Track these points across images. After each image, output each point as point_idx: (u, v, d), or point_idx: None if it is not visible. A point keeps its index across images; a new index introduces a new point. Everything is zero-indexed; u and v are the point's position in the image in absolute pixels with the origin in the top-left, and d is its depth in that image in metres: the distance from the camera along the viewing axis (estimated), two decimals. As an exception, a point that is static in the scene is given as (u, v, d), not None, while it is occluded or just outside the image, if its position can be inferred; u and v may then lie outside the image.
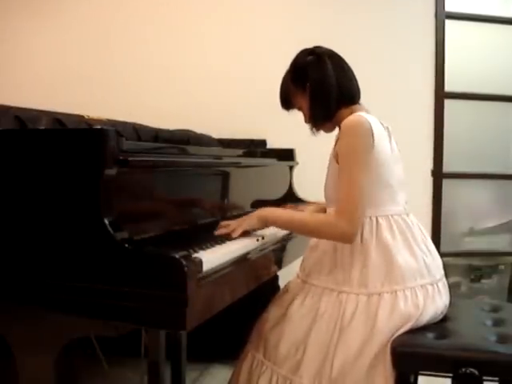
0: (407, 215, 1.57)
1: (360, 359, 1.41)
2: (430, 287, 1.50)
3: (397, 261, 1.48)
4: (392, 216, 1.53)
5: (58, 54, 3.00)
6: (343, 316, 1.46)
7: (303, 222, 1.56)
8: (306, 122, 1.67)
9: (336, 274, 1.52)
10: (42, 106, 1.68)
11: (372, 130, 1.47)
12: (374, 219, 1.51)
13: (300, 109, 1.67)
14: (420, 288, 1.48)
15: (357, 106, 1.60)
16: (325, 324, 1.47)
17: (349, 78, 1.62)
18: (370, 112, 1.59)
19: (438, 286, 1.53)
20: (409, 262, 1.49)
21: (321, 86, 1.58)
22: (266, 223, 1.60)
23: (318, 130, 1.65)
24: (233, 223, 1.56)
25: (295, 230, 1.65)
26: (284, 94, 1.68)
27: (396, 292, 1.46)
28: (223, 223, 1.57)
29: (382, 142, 1.52)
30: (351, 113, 1.55)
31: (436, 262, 1.57)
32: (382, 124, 1.57)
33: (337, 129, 1.60)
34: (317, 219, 1.55)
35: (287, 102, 1.68)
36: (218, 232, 1.53)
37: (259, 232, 1.61)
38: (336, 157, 1.52)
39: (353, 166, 1.46)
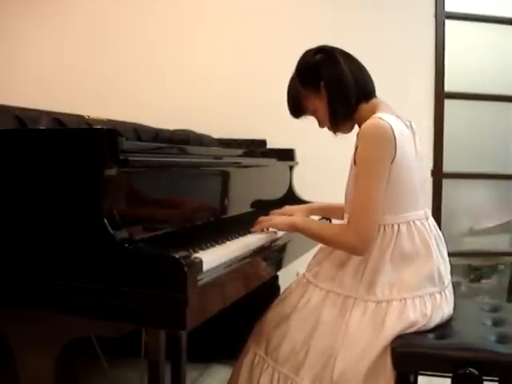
0: (427, 219, 1.53)
1: (362, 362, 1.40)
2: (438, 296, 1.48)
3: (410, 270, 1.46)
4: (414, 222, 1.49)
5: (57, 54, 3.00)
6: (348, 321, 1.44)
7: (322, 232, 1.55)
8: (320, 126, 1.62)
9: (344, 278, 1.49)
10: (42, 106, 1.69)
11: (394, 135, 1.40)
12: (395, 227, 1.47)
13: (313, 113, 1.61)
14: (429, 297, 1.46)
15: (377, 101, 1.56)
16: (328, 328, 1.46)
17: (363, 71, 1.58)
18: (390, 106, 1.55)
19: (445, 293, 1.51)
20: (422, 271, 1.47)
21: (338, 81, 1.52)
22: (293, 230, 1.62)
23: (338, 129, 1.59)
24: (264, 217, 1.70)
25: (316, 240, 1.61)
26: (293, 101, 1.61)
27: (406, 300, 1.44)
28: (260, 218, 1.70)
29: (406, 145, 1.45)
30: (372, 108, 1.51)
31: (447, 268, 1.55)
32: (404, 123, 1.51)
33: (355, 130, 1.56)
34: (329, 231, 1.54)
35: (298, 109, 1.61)
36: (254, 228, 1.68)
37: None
38: (355, 161, 1.47)
39: (369, 176, 1.41)
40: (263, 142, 2.71)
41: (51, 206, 1.18)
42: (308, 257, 1.69)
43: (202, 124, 2.50)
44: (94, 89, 2.91)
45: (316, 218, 2.00)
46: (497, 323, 1.57)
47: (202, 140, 2.32)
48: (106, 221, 1.13)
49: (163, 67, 2.95)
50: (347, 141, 1.63)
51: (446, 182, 3.04)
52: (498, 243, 3.26)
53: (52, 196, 1.18)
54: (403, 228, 1.47)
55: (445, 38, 2.99)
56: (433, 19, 2.99)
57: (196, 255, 1.25)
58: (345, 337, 1.43)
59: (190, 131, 2.29)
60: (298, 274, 1.68)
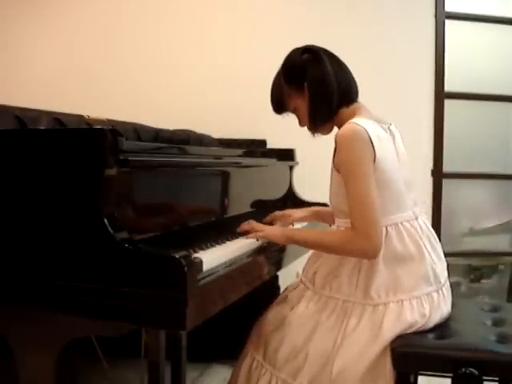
0: (416, 219, 1.52)
1: (360, 363, 1.40)
2: (435, 294, 1.48)
3: (404, 271, 1.45)
4: (402, 223, 1.48)
5: (58, 55, 3.00)
6: (347, 325, 1.44)
7: (322, 241, 1.51)
8: (300, 125, 1.63)
9: (341, 283, 1.48)
10: (42, 106, 1.69)
11: (370, 138, 1.41)
12: (384, 230, 1.45)
13: (294, 111, 1.62)
14: (426, 297, 1.46)
15: (357, 105, 1.57)
16: (327, 331, 1.46)
17: (347, 75, 1.58)
18: (370, 111, 1.55)
19: (442, 291, 1.51)
20: (416, 272, 1.46)
21: (321, 84, 1.53)
22: (288, 242, 1.60)
23: (317, 130, 1.60)
24: (257, 226, 1.61)
25: (315, 249, 1.60)
26: (277, 97, 1.62)
27: (402, 301, 1.44)
28: (249, 221, 1.64)
29: (384, 147, 1.46)
30: (351, 113, 1.52)
31: (442, 266, 1.55)
32: (381, 126, 1.51)
33: (334, 132, 1.57)
34: (334, 238, 1.49)
35: (280, 105, 1.62)
36: (240, 228, 1.62)
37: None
38: (336, 167, 1.47)
39: (357, 179, 1.40)
40: (263, 142, 2.71)
41: (51, 206, 1.18)
42: (308, 257, 1.69)
43: (202, 124, 2.50)
44: (95, 89, 2.91)
45: (301, 225, 1.99)
46: (497, 323, 1.57)
47: (202, 140, 2.32)
48: (106, 221, 1.13)
49: (163, 67, 2.95)
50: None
51: (445, 182, 3.04)
52: (498, 243, 3.26)
53: (52, 196, 1.18)
54: (392, 230, 1.47)
55: (445, 38, 2.99)
56: (433, 19, 2.99)
57: (196, 255, 1.25)
58: (343, 339, 1.43)
59: (190, 131, 2.29)
60: (298, 275, 1.68)
